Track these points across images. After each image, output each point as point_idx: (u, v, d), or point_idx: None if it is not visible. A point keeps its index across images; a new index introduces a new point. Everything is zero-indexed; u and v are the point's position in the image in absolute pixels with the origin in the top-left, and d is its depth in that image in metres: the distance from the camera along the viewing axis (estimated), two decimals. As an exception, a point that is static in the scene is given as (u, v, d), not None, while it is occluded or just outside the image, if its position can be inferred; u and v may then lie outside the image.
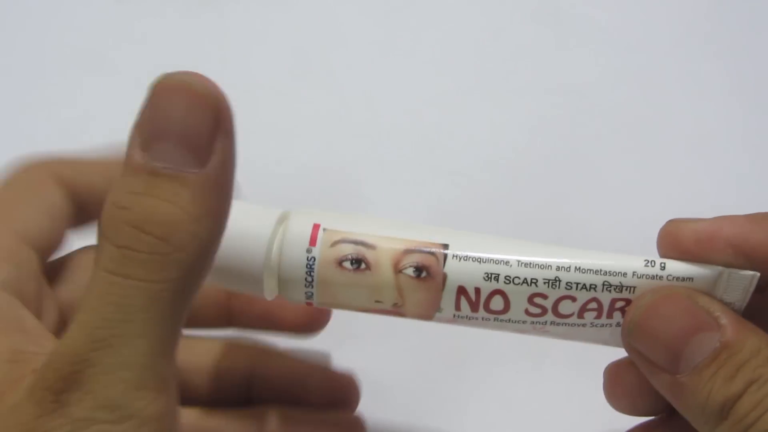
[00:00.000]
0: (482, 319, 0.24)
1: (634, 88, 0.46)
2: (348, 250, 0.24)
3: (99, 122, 0.45)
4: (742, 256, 0.23)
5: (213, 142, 0.20)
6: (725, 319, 0.22)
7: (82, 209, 0.26)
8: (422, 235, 0.24)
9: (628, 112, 0.45)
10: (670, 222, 0.25)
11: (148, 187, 0.19)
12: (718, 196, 0.43)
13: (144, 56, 0.46)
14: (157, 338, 0.19)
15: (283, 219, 0.25)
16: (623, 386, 0.27)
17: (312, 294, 0.24)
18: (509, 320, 0.24)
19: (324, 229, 0.24)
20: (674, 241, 0.24)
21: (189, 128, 0.20)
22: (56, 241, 0.26)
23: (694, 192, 0.43)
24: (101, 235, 0.20)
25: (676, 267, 0.24)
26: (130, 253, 0.19)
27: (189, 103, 0.20)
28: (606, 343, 0.26)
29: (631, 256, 0.24)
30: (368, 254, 0.24)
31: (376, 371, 0.36)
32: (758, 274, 0.23)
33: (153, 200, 0.19)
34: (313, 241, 0.24)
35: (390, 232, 0.24)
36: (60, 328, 0.25)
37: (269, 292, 0.25)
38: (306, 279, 0.24)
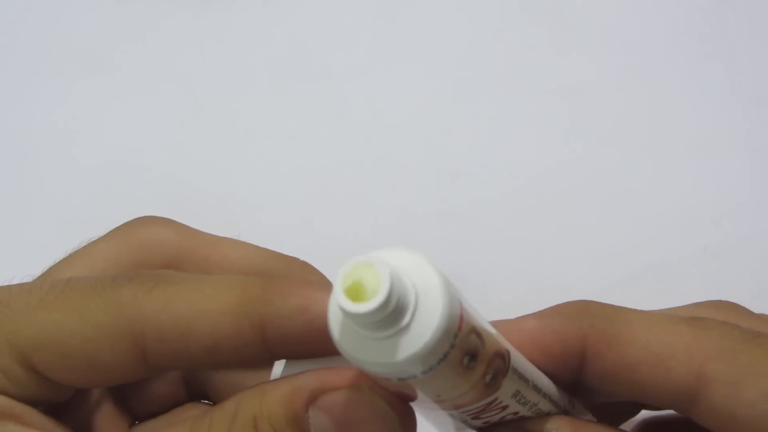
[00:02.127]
0: (451, 414, 0.22)
1: (632, 88, 0.46)
2: (473, 342, 0.19)
3: (99, 122, 0.45)
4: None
5: None
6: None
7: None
8: (492, 330, 0.21)
9: (628, 111, 0.45)
10: None
11: None
12: (717, 196, 0.43)
13: (144, 56, 0.46)
14: None
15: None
16: None
17: (414, 378, 0.19)
18: (458, 416, 0.22)
19: (464, 309, 0.19)
20: None
21: None
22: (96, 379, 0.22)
23: (692, 191, 0.43)
24: (220, 420, 0.20)
25: (579, 406, 0.24)
26: None
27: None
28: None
29: (563, 392, 0.23)
30: (480, 350, 0.20)
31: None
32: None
33: None
34: (460, 324, 0.19)
35: (482, 321, 0.20)
36: None
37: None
38: (430, 366, 0.18)
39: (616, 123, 0.45)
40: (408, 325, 0.18)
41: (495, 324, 0.22)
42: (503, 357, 0.20)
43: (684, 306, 0.24)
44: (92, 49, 0.46)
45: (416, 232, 0.41)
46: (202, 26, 0.47)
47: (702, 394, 0.20)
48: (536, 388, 0.22)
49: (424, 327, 0.18)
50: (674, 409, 0.21)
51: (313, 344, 0.21)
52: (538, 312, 0.22)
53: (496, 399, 0.20)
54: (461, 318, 0.19)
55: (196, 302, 0.20)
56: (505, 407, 0.21)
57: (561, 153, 0.44)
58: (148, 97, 0.45)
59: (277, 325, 0.20)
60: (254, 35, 0.47)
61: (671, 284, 0.40)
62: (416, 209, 0.42)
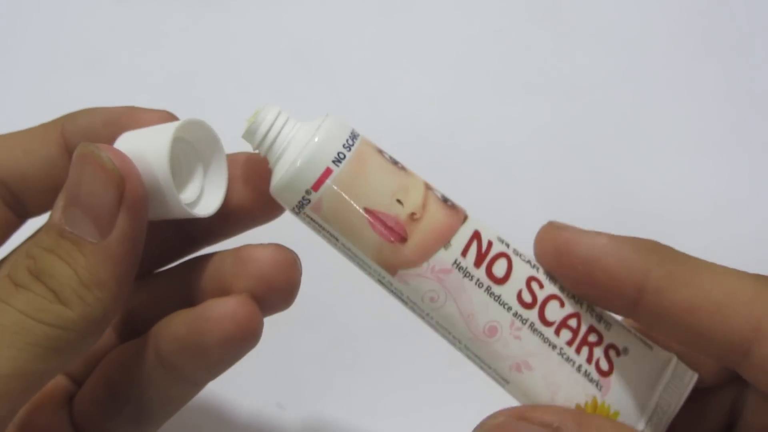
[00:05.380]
0: (477, 282, 0.23)
1: (632, 88, 0.46)
2: (387, 156, 0.24)
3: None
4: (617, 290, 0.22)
5: (114, 217, 0.22)
6: (566, 428, 0.21)
7: (12, 194, 0.26)
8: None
9: (627, 111, 0.45)
10: (554, 228, 0.24)
11: (54, 245, 0.22)
12: (717, 195, 0.43)
13: (144, 56, 0.46)
14: (7, 361, 0.20)
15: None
16: None
17: (338, 164, 0.22)
18: (499, 298, 0.23)
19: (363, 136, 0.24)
20: (561, 252, 0.23)
21: (93, 199, 0.21)
22: None
23: (692, 191, 0.43)
24: (5, 269, 0.22)
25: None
26: (22, 290, 0.21)
27: (94, 175, 0.22)
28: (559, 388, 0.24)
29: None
30: (404, 170, 0.24)
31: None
32: (695, 376, 0.23)
33: (53, 257, 0.21)
34: (354, 133, 0.24)
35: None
36: None
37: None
38: (338, 153, 0.23)
39: (616, 122, 0.45)
40: (292, 139, 0.23)
41: (568, 228, 0.24)
42: (450, 204, 0.24)
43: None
44: (92, 49, 0.47)
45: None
46: (202, 26, 0.48)
47: (755, 348, 0.20)
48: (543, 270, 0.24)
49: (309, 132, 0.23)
50: (723, 362, 0.21)
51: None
52: (612, 234, 0.23)
53: (477, 232, 0.24)
54: (353, 135, 0.23)
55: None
56: (508, 257, 0.24)
57: (562, 152, 0.44)
58: (147, 97, 0.45)
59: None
60: (254, 35, 0.47)
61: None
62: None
